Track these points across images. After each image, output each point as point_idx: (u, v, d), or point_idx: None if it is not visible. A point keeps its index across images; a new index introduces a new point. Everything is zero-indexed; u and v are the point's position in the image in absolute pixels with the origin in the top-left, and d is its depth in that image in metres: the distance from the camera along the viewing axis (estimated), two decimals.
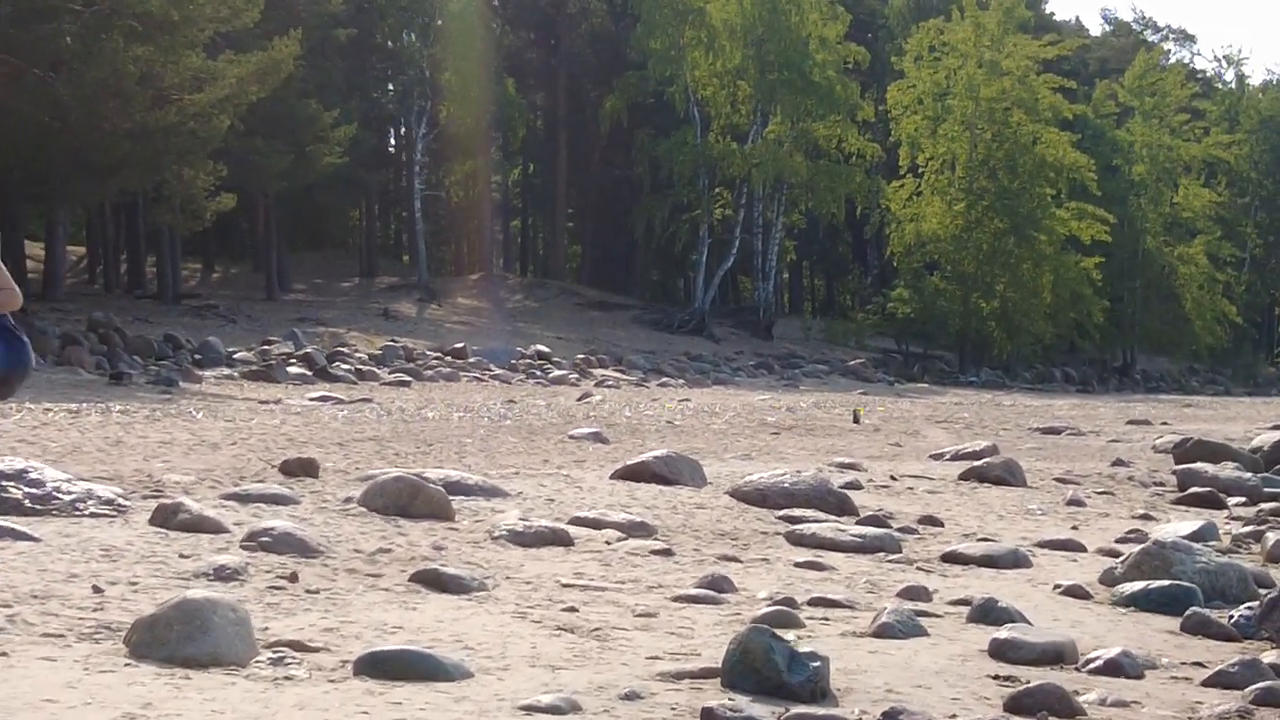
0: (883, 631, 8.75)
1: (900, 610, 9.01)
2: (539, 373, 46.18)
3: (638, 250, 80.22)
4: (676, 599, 9.52)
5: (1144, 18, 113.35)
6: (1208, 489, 19.09)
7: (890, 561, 11.84)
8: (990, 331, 71.78)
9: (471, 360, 46.97)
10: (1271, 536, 14.01)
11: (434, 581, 9.43)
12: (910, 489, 17.75)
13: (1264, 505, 18.38)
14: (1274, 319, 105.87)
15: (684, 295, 75.70)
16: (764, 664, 7.16)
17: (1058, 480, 20.07)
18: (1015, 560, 12.16)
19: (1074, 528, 15.28)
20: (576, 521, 12.38)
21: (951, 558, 12.16)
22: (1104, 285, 76.66)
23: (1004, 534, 14.22)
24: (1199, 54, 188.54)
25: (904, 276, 72.35)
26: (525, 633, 8.21)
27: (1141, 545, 11.58)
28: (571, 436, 22.77)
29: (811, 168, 69.68)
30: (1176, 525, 15.10)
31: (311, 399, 30.36)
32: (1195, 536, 14.37)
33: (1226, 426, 36.43)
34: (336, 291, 66.70)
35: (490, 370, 45.42)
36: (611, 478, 16.09)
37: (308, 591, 8.98)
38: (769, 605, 9.36)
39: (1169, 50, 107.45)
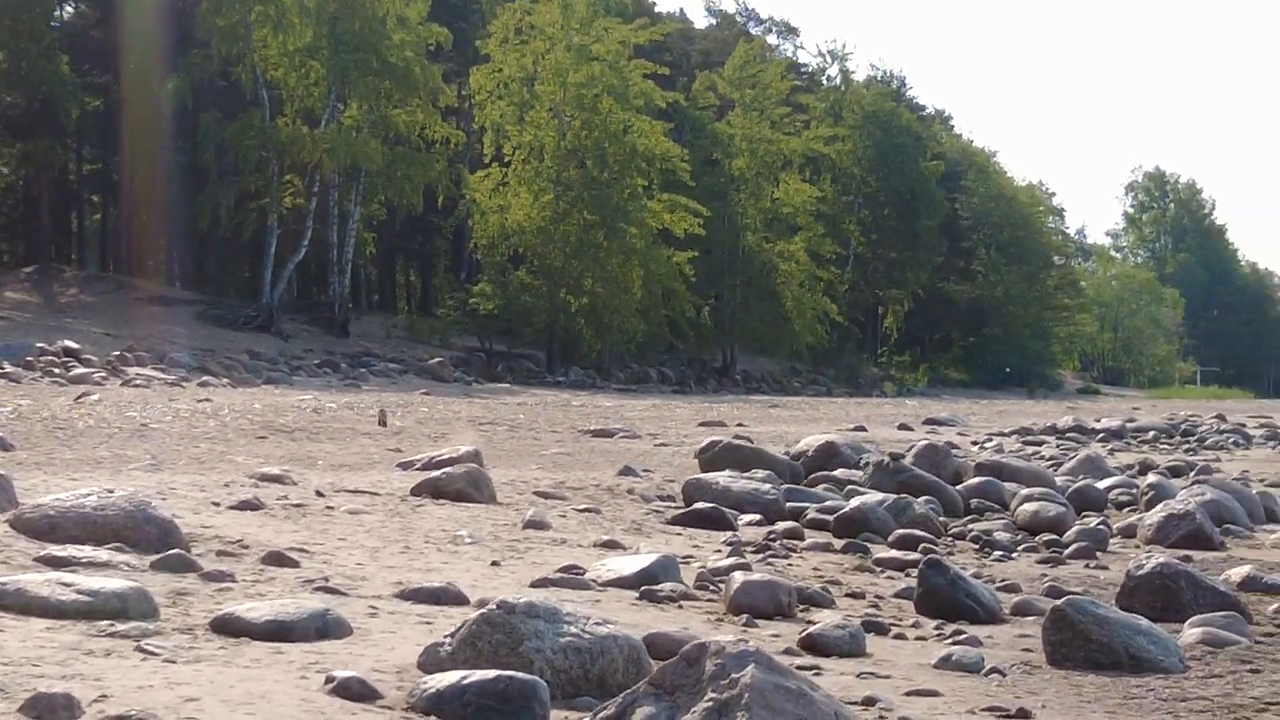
0: None
1: None
2: (57, 371, 41.20)
3: (207, 241, 74.91)
4: None
5: (747, 10, 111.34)
6: (712, 505, 15.50)
7: (113, 635, 7.59)
8: (579, 329, 68.36)
9: None
10: (738, 577, 10.20)
11: None
12: (330, 508, 13.84)
13: (778, 525, 14.92)
14: (878, 318, 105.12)
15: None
16: None
17: (538, 494, 16.39)
18: (322, 628, 8.08)
19: (494, 563, 11.49)
20: None
21: (224, 626, 8.01)
22: (703, 283, 74.35)
23: (379, 576, 10.33)
24: (802, 48, 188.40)
25: (488, 271, 68.48)
26: None
27: (481, 611, 7.44)
28: None
29: (389, 154, 65.38)
30: (621, 560, 11.38)
31: None
32: (645, 576, 10.71)
33: (805, 428, 34.59)
34: None
35: None
36: None
37: None
38: None
39: (774, 44, 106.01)
